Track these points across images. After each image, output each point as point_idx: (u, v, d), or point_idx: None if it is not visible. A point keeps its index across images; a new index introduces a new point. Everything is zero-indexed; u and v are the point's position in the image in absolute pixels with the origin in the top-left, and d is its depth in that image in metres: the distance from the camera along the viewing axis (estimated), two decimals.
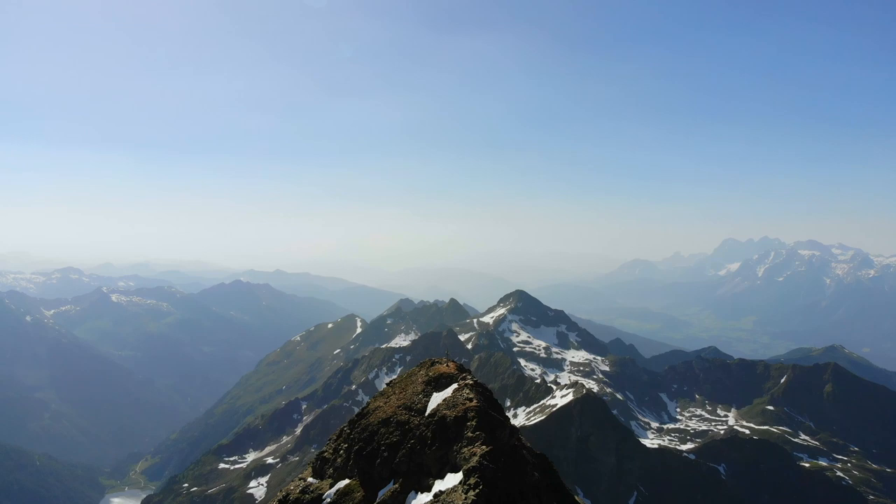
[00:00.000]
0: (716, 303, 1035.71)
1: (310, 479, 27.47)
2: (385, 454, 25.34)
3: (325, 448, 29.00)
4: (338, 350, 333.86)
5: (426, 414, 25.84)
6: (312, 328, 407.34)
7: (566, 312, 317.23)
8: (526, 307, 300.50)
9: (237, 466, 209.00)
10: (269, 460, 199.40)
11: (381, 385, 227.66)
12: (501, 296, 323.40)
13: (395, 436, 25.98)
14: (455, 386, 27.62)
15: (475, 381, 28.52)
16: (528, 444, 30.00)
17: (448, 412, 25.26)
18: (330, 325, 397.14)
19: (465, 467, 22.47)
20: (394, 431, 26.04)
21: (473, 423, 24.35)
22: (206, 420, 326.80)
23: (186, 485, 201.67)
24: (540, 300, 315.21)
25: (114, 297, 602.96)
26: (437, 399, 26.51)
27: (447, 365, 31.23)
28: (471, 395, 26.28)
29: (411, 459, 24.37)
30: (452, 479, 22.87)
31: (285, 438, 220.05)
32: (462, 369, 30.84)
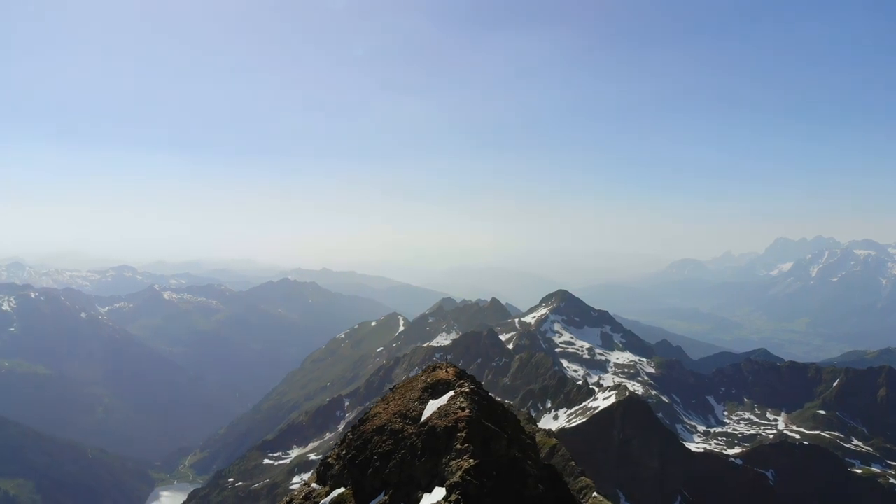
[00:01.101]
0: (767, 304, 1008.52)
1: (313, 485, 27.17)
2: (377, 463, 24.41)
3: (330, 453, 28.57)
4: (380, 348, 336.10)
5: (419, 423, 25.10)
6: (356, 326, 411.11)
7: (611, 313, 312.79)
8: (569, 307, 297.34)
9: (281, 462, 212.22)
10: (312, 457, 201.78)
11: None
12: (545, 296, 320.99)
13: (387, 445, 25.04)
14: (451, 394, 26.31)
15: (472, 389, 27.06)
16: (539, 454, 29.27)
17: (439, 422, 24.27)
18: (373, 324, 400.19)
19: (448, 482, 21.47)
20: (387, 440, 24.93)
21: (463, 434, 23.23)
22: (253, 415, 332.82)
23: (231, 479, 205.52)
24: (584, 300, 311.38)
25: (165, 295, 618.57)
26: (432, 407, 25.46)
27: (446, 371, 30.02)
28: (463, 405, 25.10)
29: (402, 470, 23.56)
30: (438, 494, 21.94)
31: (328, 435, 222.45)
32: (462, 375, 29.57)
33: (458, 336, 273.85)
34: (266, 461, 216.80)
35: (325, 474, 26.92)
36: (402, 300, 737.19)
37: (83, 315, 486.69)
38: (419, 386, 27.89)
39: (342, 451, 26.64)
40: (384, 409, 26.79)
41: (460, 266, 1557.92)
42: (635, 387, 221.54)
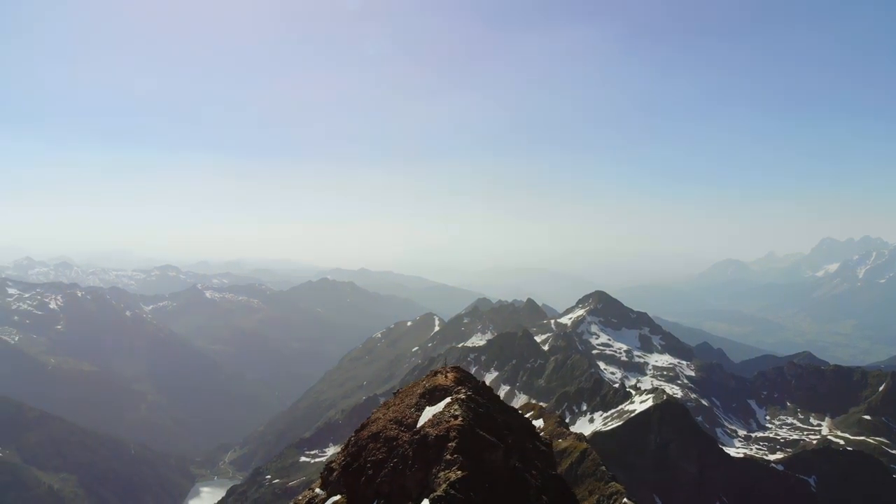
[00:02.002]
0: (812, 305, 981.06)
1: (317, 490, 26.63)
2: (370, 472, 23.41)
3: (334, 458, 27.89)
4: (416, 348, 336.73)
5: (413, 430, 24.22)
6: (392, 326, 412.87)
7: (651, 314, 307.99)
8: (606, 308, 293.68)
9: (317, 460, 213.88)
10: None
11: None
12: (582, 297, 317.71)
13: (381, 452, 24.00)
14: (448, 400, 25.54)
15: (470, 396, 25.77)
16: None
17: (431, 430, 23.33)
18: (409, 324, 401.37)
19: (433, 495, 20.28)
20: (381, 448, 23.82)
21: (453, 444, 22.13)
22: (291, 413, 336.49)
23: (269, 476, 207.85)
24: (623, 301, 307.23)
25: (208, 294, 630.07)
26: (427, 414, 24.37)
27: (445, 376, 28.97)
28: (457, 413, 24.04)
29: (393, 480, 22.47)
30: None
31: None
32: (461, 381, 28.34)
33: (492, 337, 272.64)
34: (303, 459, 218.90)
35: (327, 479, 26.36)
36: (439, 300, 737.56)
37: (128, 313, 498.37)
38: (417, 391, 27.02)
39: (340, 456, 26.17)
40: (383, 415, 26.10)
41: (497, 266, 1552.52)
42: (674, 390, 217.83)
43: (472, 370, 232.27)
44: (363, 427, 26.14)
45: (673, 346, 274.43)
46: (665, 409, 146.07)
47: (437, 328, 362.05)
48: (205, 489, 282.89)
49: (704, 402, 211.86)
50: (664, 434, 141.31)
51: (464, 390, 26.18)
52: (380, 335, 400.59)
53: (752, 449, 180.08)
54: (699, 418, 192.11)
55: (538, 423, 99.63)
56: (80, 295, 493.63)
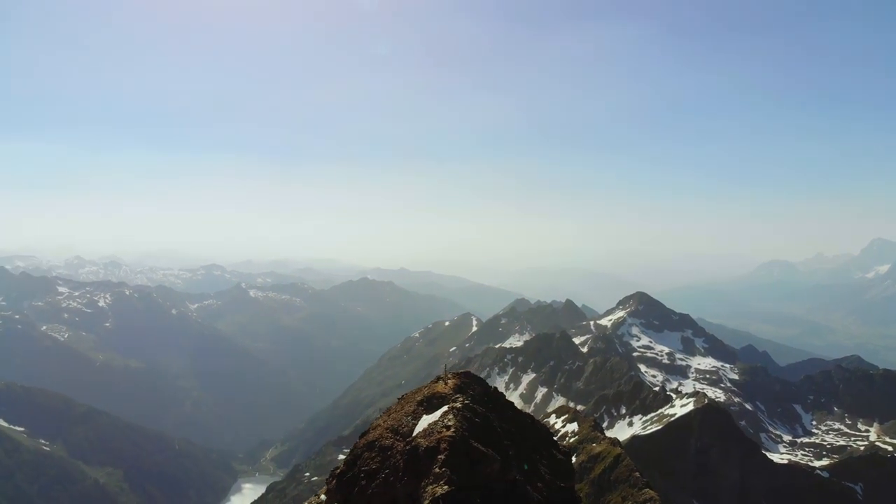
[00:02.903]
0: (863, 308, 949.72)
1: (322, 497, 26.08)
2: (363, 482, 22.03)
3: (339, 465, 27.24)
4: (453, 348, 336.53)
5: (406, 441, 23.32)
6: (430, 325, 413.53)
7: (694, 316, 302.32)
8: (648, 310, 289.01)
9: None
10: None
11: (493, 384, 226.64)
12: (622, 298, 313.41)
13: (375, 462, 22.81)
14: (444, 409, 24.56)
15: (467, 404, 24.36)
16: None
17: (422, 441, 22.29)
18: (447, 323, 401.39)
19: None
20: (375, 457, 22.66)
21: (443, 456, 21.12)
22: (331, 411, 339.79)
23: (308, 473, 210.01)
24: (665, 303, 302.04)
25: (252, 293, 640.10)
26: (423, 423, 23.12)
27: (445, 383, 27.88)
28: (450, 423, 22.98)
29: (385, 492, 21.29)
30: None
31: None
32: (461, 389, 27.12)
33: (530, 338, 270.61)
34: (341, 456, 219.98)
35: (328, 487, 25.78)
36: (477, 300, 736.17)
37: (174, 312, 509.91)
38: (416, 398, 26.23)
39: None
40: (383, 422, 25.38)
41: (536, 266, 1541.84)
42: (717, 394, 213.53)
43: (509, 371, 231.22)
44: (364, 434, 25.59)
45: (716, 348, 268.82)
46: (706, 413, 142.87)
47: (474, 328, 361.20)
48: (246, 485, 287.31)
49: (748, 407, 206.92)
50: (705, 439, 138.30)
51: (461, 398, 25.03)
52: (418, 335, 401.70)
53: (797, 455, 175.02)
54: (742, 423, 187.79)
55: (572, 426, 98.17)
56: (127, 293, 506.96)
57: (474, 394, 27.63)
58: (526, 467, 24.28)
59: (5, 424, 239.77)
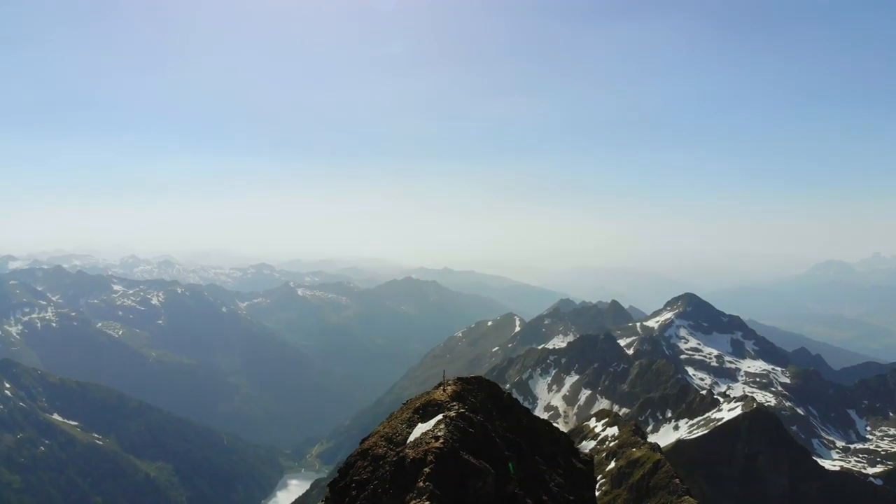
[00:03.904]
0: None
1: None
2: (353, 492, 21.28)
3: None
4: (496, 348, 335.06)
5: (397, 450, 22.45)
6: (473, 325, 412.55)
7: (745, 318, 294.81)
8: (696, 311, 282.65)
9: None
10: None
11: (535, 386, 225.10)
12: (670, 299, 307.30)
13: (366, 472, 21.76)
14: (438, 417, 23.47)
15: (462, 413, 23.15)
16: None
17: (410, 452, 21.14)
18: (490, 323, 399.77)
19: None
20: (367, 466, 21.84)
21: (428, 469, 19.88)
22: (376, 408, 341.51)
23: None
24: (715, 304, 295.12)
25: (299, 291, 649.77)
26: (417, 432, 22.15)
27: (444, 389, 26.82)
28: (439, 433, 21.78)
29: (373, 503, 21.07)
30: None
31: None
32: (458, 396, 25.97)
33: (574, 339, 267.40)
34: None
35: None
36: (520, 300, 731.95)
37: (224, 309, 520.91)
38: (414, 405, 25.45)
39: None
40: (382, 429, 24.77)
41: (582, 266, 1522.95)
42: (767, 398, 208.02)
43: (552, 373, 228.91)
44: (363, 440, 24.98)
45: (767, 351, 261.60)
46: (755, 417, 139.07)
47: (517, 328, 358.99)
48: (292, 481, 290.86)
49: (800, 412, 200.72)
50: (753, 444, 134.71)
51: (457, 407, 24.07)
52: (461, 334, 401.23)
53: (849, 461, 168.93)
54: (794, 428, 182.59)
55: (612, 431, 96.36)
56: (179, 291, 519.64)
57: (475, 401, 26.73)
58: (511, 468, 23.02)
59: (60, 419, 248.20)
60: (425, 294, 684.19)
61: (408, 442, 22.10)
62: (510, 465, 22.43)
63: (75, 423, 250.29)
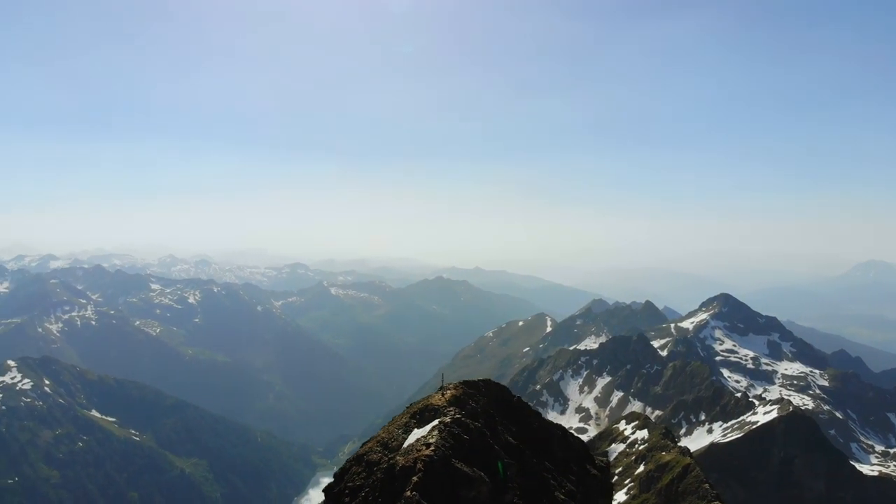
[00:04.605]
0: None
1: None
2: (346, 498, 21.27)
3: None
4: (527, 348, 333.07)
5: (389, 457, 21.90)
6: (504, 325, 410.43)
7: (782, 319, 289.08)
8: (732, 312, 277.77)
9: None
10: None
11: (567, 388, 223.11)
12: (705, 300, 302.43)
13: (359, 478, 21.63)
14: (434, 423, 22.91)
15: (457, 419, 22.28)
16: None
17: (400, 459, 20.50)
18: (521, 323, 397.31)
19: None
20: (361, 472, 21.42)
21: (416, 478, 19.07)
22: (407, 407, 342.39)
23: None
24: (753, 305, 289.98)
25: (332, 291, 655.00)
26: (412, 437, 21.72)
27: (443, 394, 26.11)
28: (431, 440, 20.99)
29: None
30: None
31: None
32: (456, 401, 25.22)
33: (606, 340, 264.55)
34: None
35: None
36: (552, 300, 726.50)
37: (259, 308, 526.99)
38: (413, 410, 24.88)
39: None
40: (381, 433, 24.32)
41: (616, 266, 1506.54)
42: (805, 400, 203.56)
43: (583, 374, 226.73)
44: (364, 444, 24.57)
45: (805, 353, 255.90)
46: (791, 421, 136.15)
47: (548, 329, 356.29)
48: (325, 479, 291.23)
49: (838, 415, 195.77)
50: (789, 448, 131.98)
51: (453, 412, 23.40)
52: (491, 334, 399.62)
53: (889, 466, 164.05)
54: (832, 432, 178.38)
55: (642, 434, 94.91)
56: (215, 290, 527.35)
57: (475, 405, 26.09)
58: (501, 467, 22.26)
59: (98, 415, 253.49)
60: (456, 294, 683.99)
61: (401, 448, 21.63)
62: (500, 463, 21.75)
63: (113, 420, 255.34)
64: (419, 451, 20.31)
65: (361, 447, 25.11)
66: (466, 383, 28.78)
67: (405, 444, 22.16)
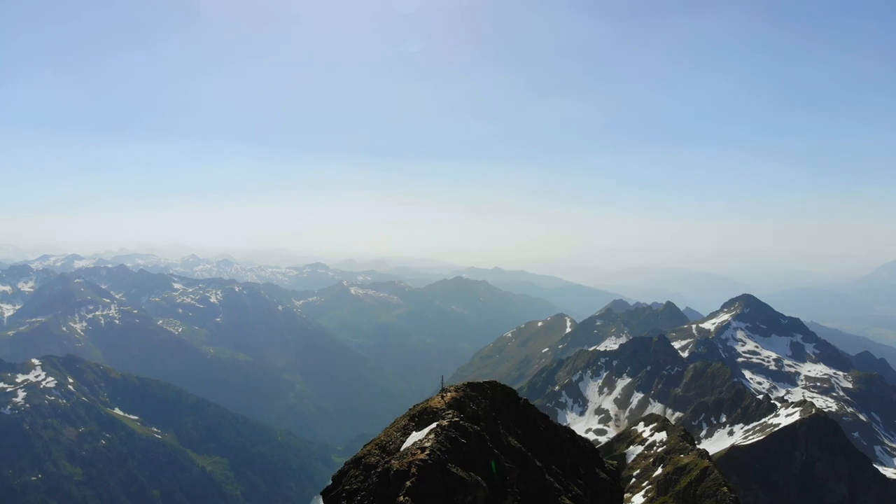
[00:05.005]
0: None
1: None
2: (343, 502, 20.80)
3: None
4: (546, 349, 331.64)
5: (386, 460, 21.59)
6: (523, 325, 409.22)
7: (805, 320, 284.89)
8: (754, 313, 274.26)
9: None
10: None
11: (585, 388, 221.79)
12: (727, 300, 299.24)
13: (356, 481, 21.32)
14: (432, 426, 22.54)
15: (455, 423, 21.84)
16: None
17: (395, 463, 20.16)
18: (540, 324, 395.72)
19: None
20: (358, 475, 21.28)
21: (410, 483, 18.74)
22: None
23: None
24: (776, 306, 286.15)
25: (352, 291, 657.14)
26: (410, 441, 21.49)
27: (442, 396, 25.71)
28: (427, 444, 20.67)
29: None
30: None
31: None
32: (456, 404, 24.84)
33: (626, 340, 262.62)
34: None
35: None
36: (572, 300, 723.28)
37: (280, 308, 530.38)
38: (412, 412, 24.62)
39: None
40: (381, 436, 24.09)
41: (637, 267, 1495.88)
42: (828, 403, 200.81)
43: (603, 375, 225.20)
44: (365, 446, 24.43)
45: (829, 355, 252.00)
46: (813, 423, 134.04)
47: (568, 329, 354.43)
48: None
49: (862, 418, 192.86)
50: (811, 451, 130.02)
51: (452, 415, 23.07)
52: (510, 334, 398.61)
53: None
54: (855, 434, 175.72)
55: (660, 436, 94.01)
56: (237, 290, 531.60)
57: (476, 408, 25.79)
58: (494, 467, 21.90)
59: (121, 413, 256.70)
60: (475, 294, 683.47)
61: (398, 452, 21.42)
62: (493, 462, 21.40)
63: (135, 418, 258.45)
64: (414, 454, 20.04)
65: (361, 449, 25.00)
66: (470, 385, 28.46)
67: (405, 447, 21.98)
